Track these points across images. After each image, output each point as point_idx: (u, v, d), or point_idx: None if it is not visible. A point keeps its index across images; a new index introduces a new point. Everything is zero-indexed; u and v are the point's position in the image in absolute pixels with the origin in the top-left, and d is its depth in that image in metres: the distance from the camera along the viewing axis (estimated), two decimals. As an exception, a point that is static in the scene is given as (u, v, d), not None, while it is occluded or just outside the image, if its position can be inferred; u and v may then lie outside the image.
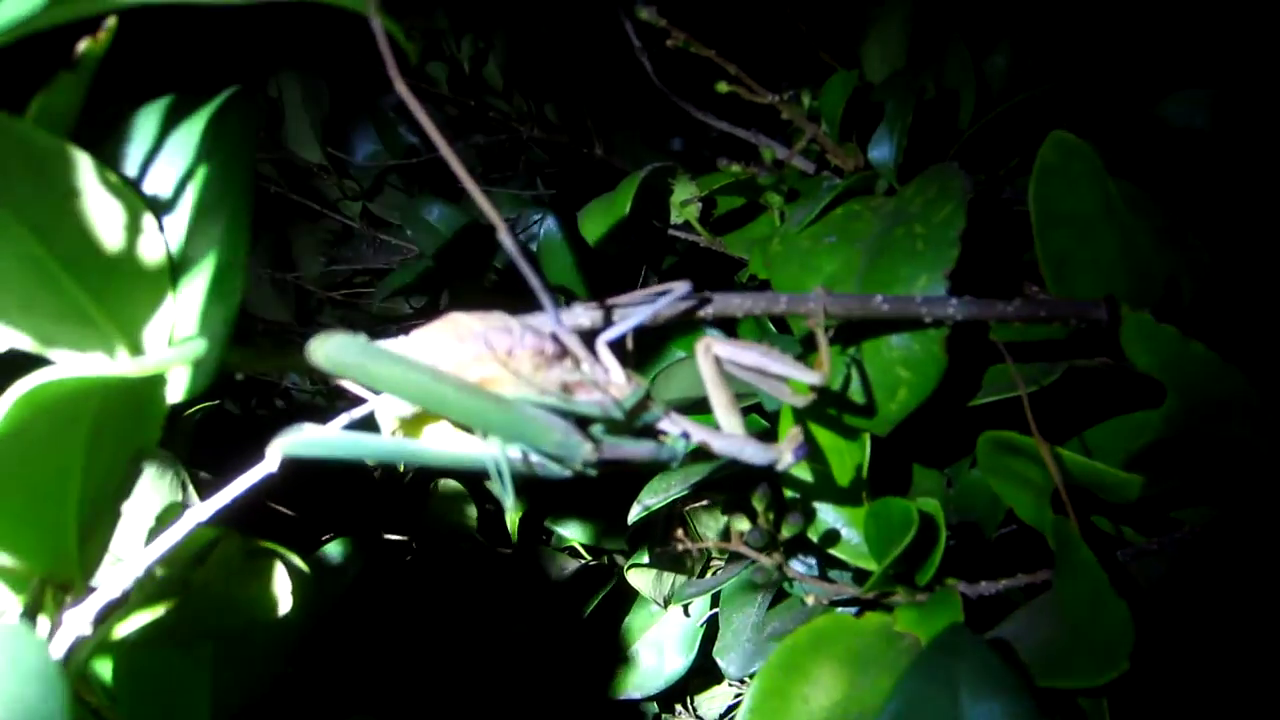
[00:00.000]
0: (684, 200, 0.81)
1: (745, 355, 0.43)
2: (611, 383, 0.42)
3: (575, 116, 1.15)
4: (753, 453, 0.43)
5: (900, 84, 0.61)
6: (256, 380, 1.32)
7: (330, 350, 0.35)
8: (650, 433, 0.44)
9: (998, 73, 0.73)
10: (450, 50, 1.11)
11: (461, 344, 0.40)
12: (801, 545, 0.58)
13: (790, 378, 0.44)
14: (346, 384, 0.41)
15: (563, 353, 0.42)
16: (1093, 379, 0.61)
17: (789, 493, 0.57)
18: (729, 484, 0.71)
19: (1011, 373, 0.50)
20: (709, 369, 0.43)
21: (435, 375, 0.38)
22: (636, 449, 0.43)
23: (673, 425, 0.43)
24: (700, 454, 0.49)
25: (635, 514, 0.72)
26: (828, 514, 0.56)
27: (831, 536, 0.56)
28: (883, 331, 0.51)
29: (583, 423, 0.42)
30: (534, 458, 0.41)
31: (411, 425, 0.42)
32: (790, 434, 0.43)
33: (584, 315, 0.45)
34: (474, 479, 1.00)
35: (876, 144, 0.61)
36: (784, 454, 0.43)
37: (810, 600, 0.55)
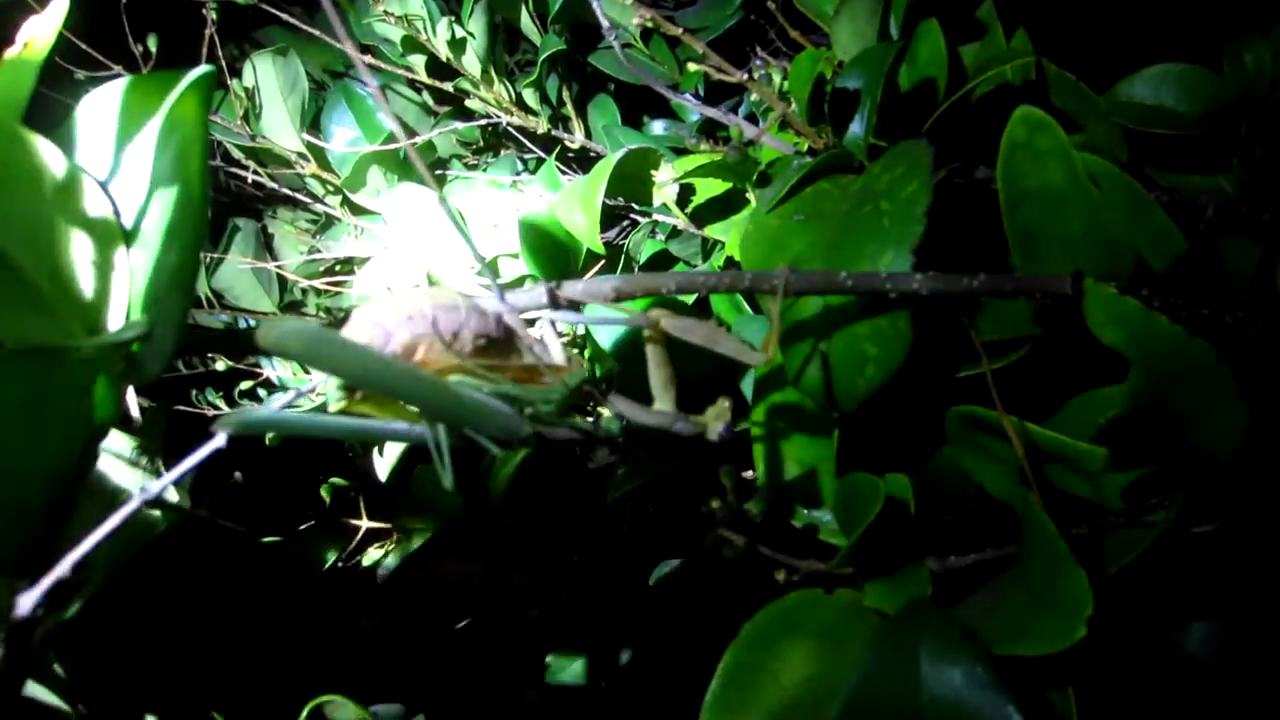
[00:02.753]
0: (660, 183, 0.81)
1: (694, 332, 0.44)
2: (553, 364, 0.43)
3: (555, 101, 1.15)
4: (682, 427, 0.44)
5: (870, 60, 0.61)
6: (239, 370, 1.31)
7: (279, 336, 0.35)
8: (587, 413, 0.45)
9: (969, 50, 0.73)
10: (428, 36, 1.10)
11: (409, 323, 0.40)
12: (773, 522, 0.59)
13: (735, 355, 0.44)
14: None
15: (508, 335, 0.42)
16: (1069, 355, 0.61)
17: (761, 469, 0.57)
18: (705, 462, 0.71)
19: (975, 345, 0.50)
20: (653, 345, 0.44)
21: (381, 361, 0.38)
22: (574, 431, 0.44)
23: (609, 404, 0.44)
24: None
25: (614, 494, 0.73)
26: (799, 490, 0.56)
27: (801, 513, 0.56)
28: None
29: (524, 403, 0.43)
30: (476, 436, 0.41)
31: (359, 405, 0.42)
32: (717, 407, 0.44)
33: (534, 295, 0.45)
34: (466, 464, 1.00)
35: (847, 122, 0.61)
36: (710, 427, 0.43)
37: (780, 576, 0.55)
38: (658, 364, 0.44)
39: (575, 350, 0.44)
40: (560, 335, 0.47)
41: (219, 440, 0.35)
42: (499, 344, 0.43)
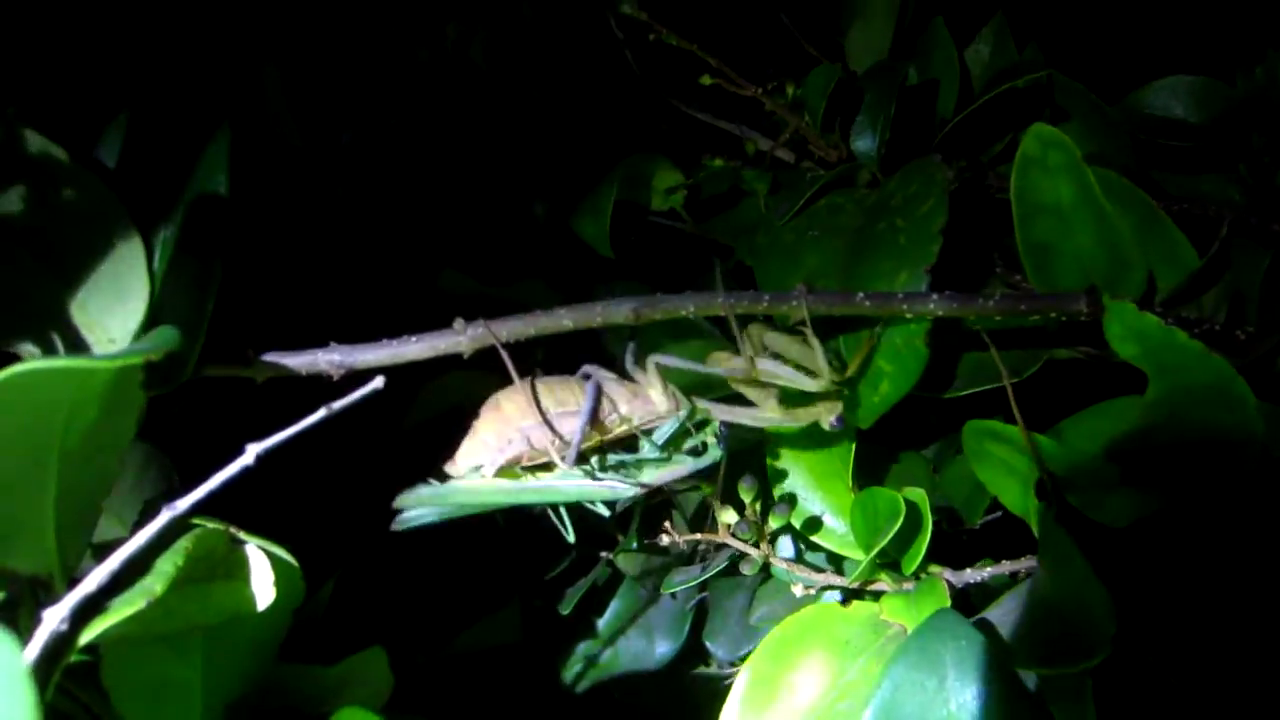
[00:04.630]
0: (669, 189, 0.81)
1: (763, 364, 0.47)
2: (659, 412, 0.49)
3: (563, 105, 1.15)
4: (792, 421, 0.49)
5: (882, 75, 0.61)
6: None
7: (415, 499, 0.49)
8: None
9: (981, 61, 0.73)
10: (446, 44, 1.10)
11: (508, 447, 0.48)
12: (789, 535, 0.59)
13: (795, 384, 0.46)
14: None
15: (602, 417, 0.49)
16: (1076, 367, 0.61)
17: (776, 484, 0.57)
18: (716, 474, 0.71)
19: (996, 362, 0.50)
20: (740, 382, 0.49)
21: (490, 490, 0.49)
22: (678, 470, 0.50)
23: (714, 413, 0.49)
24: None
25: (622, 503, 0.73)
26: (815, 505, 0.56)
27: (818, 526, 0.56)
28: (865, 326, 0.51)
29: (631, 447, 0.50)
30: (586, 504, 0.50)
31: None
32: (830, 400, 0.45)
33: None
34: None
35: (859, 135, 0.61)
36: (823, 418, 0.48)
37: (798, 590, 0.55)
38: (751, 388, 0.49)
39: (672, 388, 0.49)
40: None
41: (247, 459, 0.36)
42: (597, 426, 0.49)
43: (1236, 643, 0.53)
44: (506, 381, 0.49)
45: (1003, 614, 0.48)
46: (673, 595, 0.94)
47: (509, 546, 1.02)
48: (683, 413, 0.49)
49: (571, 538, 0.50)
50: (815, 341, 0.45)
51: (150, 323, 0.41)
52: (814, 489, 0.56)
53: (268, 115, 1.12)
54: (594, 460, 0.50)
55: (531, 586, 1.01)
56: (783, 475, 0.57)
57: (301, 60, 1.18)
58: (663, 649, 0.96)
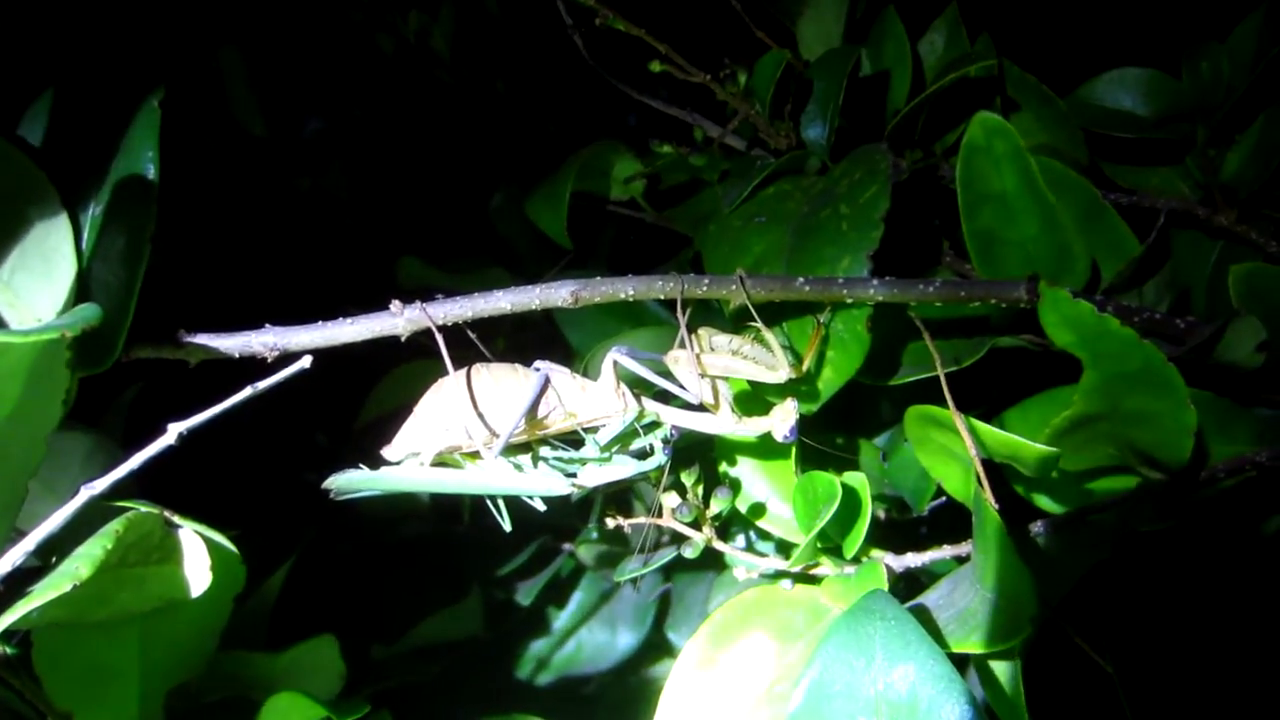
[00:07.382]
0: (628, 178, 0.81)
1: (714, 366, 0.47)
2: (606, 411, 0.49)
3: (525, 91, 1.14)
4: (745, 430, 0.49)
5: (833, 63, 0.61)
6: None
7: (344, 483, 0.48)
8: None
9: (935, 52, 0.73)
10: (398, 24, 1.09)
11: (445, 435, 0.47)
12: (736, 520, 0.59)
13: (756, 379, 0.46)
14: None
15: (548, 410, 0.48)
16: (1040, 357, 0.62)
17: (723, 468, 0.57)
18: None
19: (929, 349, 0.50)
20: (689, 377, 0.48)
21: (422, 477, 0.48)
22: (619, 471, 0.50)
23: (673, 421, 0.49)
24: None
25: (578, 492, 0.73)
26: (761, 490, 0.57)
27: (763, 511, 0.56)
28: (808, 311, 0.51)
29: (577, 442, 0.50)
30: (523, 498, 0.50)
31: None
32: (783, 408, 0.45)
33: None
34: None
35: (809, 123, 0.62)
36: (776, 428, 0.47)
37: (740, 573, 0.55)
38: (702, 386, 0.48)
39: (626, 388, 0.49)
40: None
41: (169, 438, 0.35)
42: (539, 420, 0.48)
43: (1178, 624, 0.54)
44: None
45: (938, 597, 0.49)
46: (635, 587, 0.94)
47: (472, 538, 1.02)
48: (630, 414, 0.49)
49: (508, 526, 0.50)
50: (769, 335, 0.45)
51: (77, 300, 0.40)
52: (760, 474, 0.56)
53: (226, 97, 1.11)
54: (529, 454, 0.50)
55: (494, 578, 1.01)
56: (729, 461, 0.57)
57: (265, 46, 1.17)
58: (626, 641, 0.96)
